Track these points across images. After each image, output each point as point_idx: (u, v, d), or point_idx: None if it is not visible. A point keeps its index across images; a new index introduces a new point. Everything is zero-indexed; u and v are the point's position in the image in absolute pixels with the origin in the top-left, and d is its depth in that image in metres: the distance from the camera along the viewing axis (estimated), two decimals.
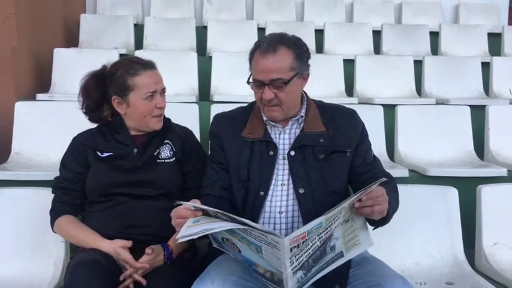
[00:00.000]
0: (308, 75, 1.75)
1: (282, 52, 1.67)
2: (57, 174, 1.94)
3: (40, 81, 3.69)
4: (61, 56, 3.69)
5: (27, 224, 2.10)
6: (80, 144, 1.92)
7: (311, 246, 1.39)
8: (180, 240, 1.38)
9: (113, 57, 3.62)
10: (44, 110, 2.96)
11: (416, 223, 2.18)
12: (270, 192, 1.72)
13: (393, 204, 1.61)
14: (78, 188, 1.89)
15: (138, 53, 3.57)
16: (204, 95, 3.74)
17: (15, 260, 2.08)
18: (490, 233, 2.25)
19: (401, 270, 2.06)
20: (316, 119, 1.77)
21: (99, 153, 1.89)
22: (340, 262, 1.49)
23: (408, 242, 2.19)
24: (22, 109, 2.90)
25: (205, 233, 1.37)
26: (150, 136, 1.91)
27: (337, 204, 1.39)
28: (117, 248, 1.72)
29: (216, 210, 1.41)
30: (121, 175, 1.84)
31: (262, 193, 1.71)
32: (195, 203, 1.51)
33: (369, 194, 1.47)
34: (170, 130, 1.97)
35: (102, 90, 1.90)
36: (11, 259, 2.08)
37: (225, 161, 1.79)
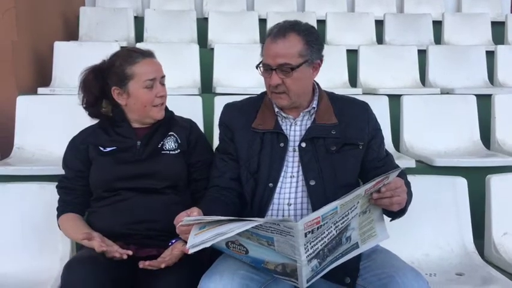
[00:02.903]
0: (319, 64, 1.73)
1: (291, 38, 1.66)
2: (61, 168, 1.94)
3: (41, 75, 3.67)
4: (61, 49, 3.66)
5: (32, 219, 2.08)
6: (80, 143, 1.90)
7: (327, 235, 1.37)
8: (191, 251, 1.36)
9: (113, 50, 3.49)
10: (45, 104, 2.93)
11: (425, 214, 2.16)
12: (279, 184, 1.70)
13: (408, 197, 1.59)
14: (78, 186, 1.87)
15: (139, 46, 3.52)
16: (206, 87, 3.71)
17: (21, 256, 2.06)
18: (500, 223, 2.24)
19: (411, 261, 2.05)
20: (328, 111, 1.75)
21: (101, 148, 1.86)
22: (355, 253, 1.48)
23: (417, 233, 2.17)
24: (23, 103, 2.88)
25: (217, 239, 1.33)
26: (153, 128, 1.89)
27: (352, 190, 1.37)
28: (80, 241, 1.72)
29: (218, 218, 1.39)
30: (125, 168, 1.82)
31: (271, 185, 1.69)
32: (194, 211, 1.50)
33: (388, 186, 1.45)
34: (174, 122, 1.94)
35: (101, 84, 1.88)
36: (17, 255, 2.06)
37: (234, 151, 1.77)
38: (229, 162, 1.78)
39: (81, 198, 1.88)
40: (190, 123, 1.98)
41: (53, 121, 2.82)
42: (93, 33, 4.37)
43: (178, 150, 1.88)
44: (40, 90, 3.31)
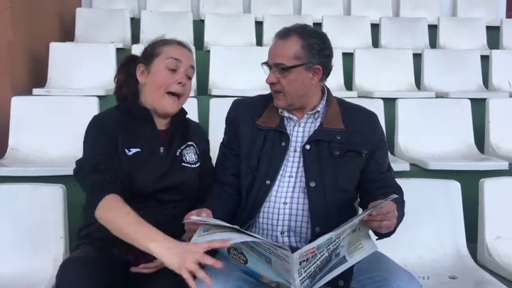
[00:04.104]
0: (319, 70, 1.71)
1: (291, 39, 1.69)
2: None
3: (36, 76, 3.66)
4: (57, 50, 3.65)
5: (26, 220, 2.07)
6: (113, 123, 1.73)
7: (319, 258, 1.39)
8: None
9: (109, 51, 3.59)
10: (40, 105, 2.93)
11: (419, 217, 2.16)
12: (277, 183, 1.72)
13: (399, 218, 1.59)
14: (117, 168, 1.63)
15: (135, 48, 3.53)
16: (202, 89, 3.71)
17: (14, 258, 2.04)
18: (493, 226, 2.25)
19: (404, 264, 2.05)
20: (336, 116, 1.76)
21: (126, 151, 1.72)
22: (344, 267, 1.48)
23: (411, 235, 2.17)
24: (18, 104, 2.87)
25: None
26: (172, 130, 1.80)
27: (348, 221, 1.39)
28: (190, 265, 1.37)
29: (226, 224, 1.39)
30: (148, 178, 1.69)
31: (268, 182, 1.71)
32: (203, 212, 1.50)
33: (380, 210, 1.47)
34: (189, 127, 1.87)
35: (127, 70, 1.84)
36: (10, 256, 2.04)
37: (237, 147, 1.79)
38: (232, 158, 1.80)
39: (120, 183, 1.62)
40: (203, 131, 1.93)
41: (47, 122, 2.81)
42: (89, 34, 4.38)
43: (198, 164, 1.82)
44: (35, 91, 3.30)
